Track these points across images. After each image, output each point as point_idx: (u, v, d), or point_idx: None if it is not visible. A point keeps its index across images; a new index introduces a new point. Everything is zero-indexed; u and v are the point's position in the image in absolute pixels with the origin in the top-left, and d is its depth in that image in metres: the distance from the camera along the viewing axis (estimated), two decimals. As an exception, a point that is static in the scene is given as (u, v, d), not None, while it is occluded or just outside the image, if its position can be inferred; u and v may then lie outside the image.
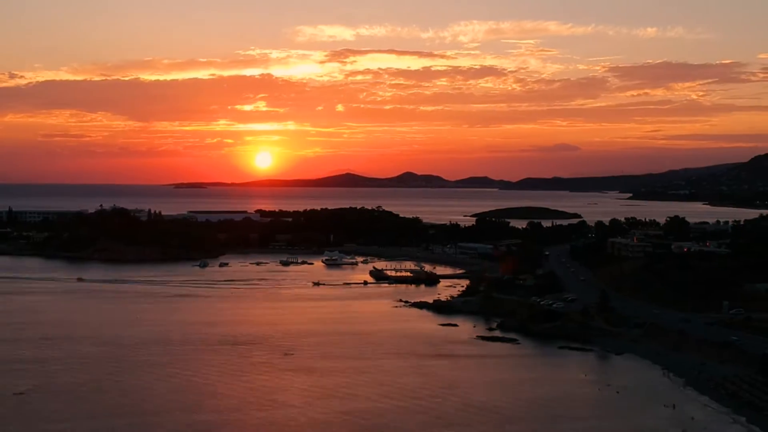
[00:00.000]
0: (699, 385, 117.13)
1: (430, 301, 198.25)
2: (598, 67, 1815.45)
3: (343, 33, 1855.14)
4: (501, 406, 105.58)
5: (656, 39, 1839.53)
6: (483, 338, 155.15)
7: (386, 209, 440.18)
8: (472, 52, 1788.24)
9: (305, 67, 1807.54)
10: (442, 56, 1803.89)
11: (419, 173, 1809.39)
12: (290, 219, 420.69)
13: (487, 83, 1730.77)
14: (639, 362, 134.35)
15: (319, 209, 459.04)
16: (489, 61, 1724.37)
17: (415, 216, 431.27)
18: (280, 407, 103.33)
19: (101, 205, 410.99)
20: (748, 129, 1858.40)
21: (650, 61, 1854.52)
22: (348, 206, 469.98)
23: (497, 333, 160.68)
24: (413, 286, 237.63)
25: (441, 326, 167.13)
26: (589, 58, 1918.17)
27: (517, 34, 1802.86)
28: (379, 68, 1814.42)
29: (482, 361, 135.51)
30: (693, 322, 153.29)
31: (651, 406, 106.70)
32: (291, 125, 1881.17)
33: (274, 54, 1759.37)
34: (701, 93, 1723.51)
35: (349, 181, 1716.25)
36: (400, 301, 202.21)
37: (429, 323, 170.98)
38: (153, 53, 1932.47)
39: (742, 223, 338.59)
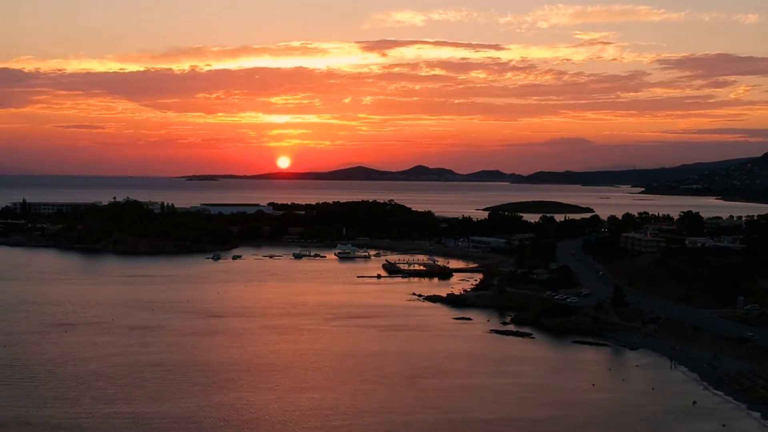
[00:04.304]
0: (714, 380, 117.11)
1: (444, 294, 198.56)
2: (644, 59, 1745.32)
3: (413, 18, 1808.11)
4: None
5: (756, 26, 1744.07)
6: (497, 332, 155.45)
7: (398, 203, 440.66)
8: (523, 44, 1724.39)
9: (345, 59, 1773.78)
10: (496, 47, 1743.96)
11: (431, 166, 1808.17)
12: (303, 212, 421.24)
13: (518, 75, 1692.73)
14: (653, 357, 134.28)
15: (331, 202, 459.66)
16: (548, 53, 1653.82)
17: (427, 209, 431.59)
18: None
19: (114, 198, 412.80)
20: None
21: (708, 52, 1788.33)
22: (360, 200, 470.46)
23: (511, 327, 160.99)
24: (426, 279, 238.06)
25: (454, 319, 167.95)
26: (652, 48, 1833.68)
27: (604, 19, 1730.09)
28: (420, 59, 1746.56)
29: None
30: (707, 317, 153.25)
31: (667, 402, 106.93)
32: (314, 118, 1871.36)
33: (314, 45, 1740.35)
34: (748, 87, 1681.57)
35: (361, 174, 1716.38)
36: (414, 294, 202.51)
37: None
38: (204, 41, 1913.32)
39: (755, 218, 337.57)
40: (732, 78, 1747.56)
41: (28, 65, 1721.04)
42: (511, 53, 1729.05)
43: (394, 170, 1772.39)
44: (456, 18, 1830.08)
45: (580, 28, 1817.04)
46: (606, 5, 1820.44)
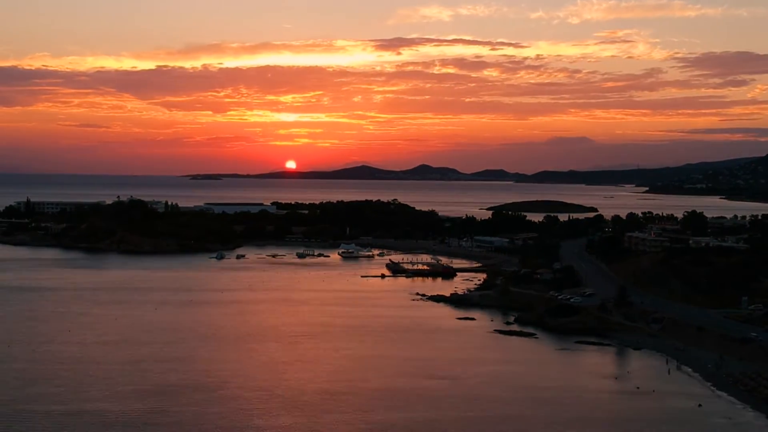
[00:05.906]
0: (718, 381, 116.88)
1: (447, 294, 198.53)
2: (660, 57, 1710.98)
3: (440, 14, 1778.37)
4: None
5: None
6: (501, 332, 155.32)
7: (402, 202, 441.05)
8: (551, 41, 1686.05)
9: (360, 56, 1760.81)
10: (515, 45, 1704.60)
11: (434, 165, 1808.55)
12: (306, 211, 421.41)
13: (530, 74, 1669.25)
14: (657, 357, 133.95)
15: (335, 202, 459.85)
16: (576, 50, 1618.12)
17: (430, 209, 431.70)
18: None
19: (118, 197, 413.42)
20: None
21: (728, 50, 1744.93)
22: (364, 199, 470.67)
23: (515, 327, 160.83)
24: (430, 279, 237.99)
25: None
26: (684, 44, 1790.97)
27: (638, 14, 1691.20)
28: (435, 57, 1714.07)
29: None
30: (712, 317, 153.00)
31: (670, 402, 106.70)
32: (323, 117, 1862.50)
33: (329, 42, 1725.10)
34: (766, 85, 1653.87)
35: (365, 173, 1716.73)
36: (417, 294, 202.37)
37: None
38: (223, 37, 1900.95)
39: (759, 217, 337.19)
40: (750, 77, 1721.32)
41: (42, 62, 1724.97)
42: (528, 51, 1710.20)
43: (397, 169, 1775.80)
44: (485, 13, 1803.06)
45: (612, 24, 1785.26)
46: (640, 0, 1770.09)
